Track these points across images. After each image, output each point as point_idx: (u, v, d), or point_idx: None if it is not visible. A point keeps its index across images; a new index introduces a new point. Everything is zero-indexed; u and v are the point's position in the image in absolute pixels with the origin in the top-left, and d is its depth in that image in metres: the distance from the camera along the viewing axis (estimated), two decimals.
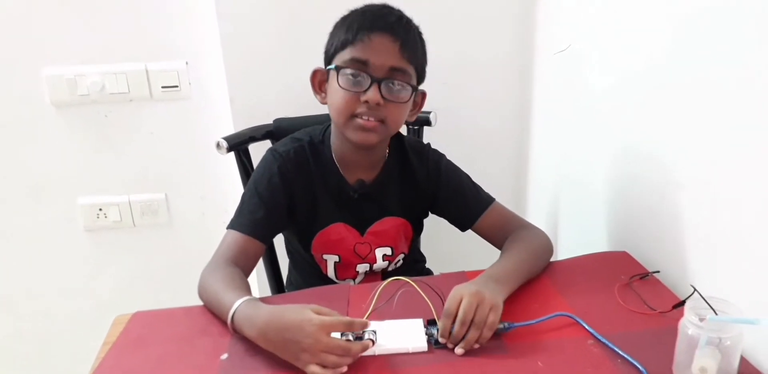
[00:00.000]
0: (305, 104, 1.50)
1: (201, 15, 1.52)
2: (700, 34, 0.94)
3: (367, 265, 1.20)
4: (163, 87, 1.59)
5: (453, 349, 0.86)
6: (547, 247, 1.11)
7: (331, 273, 1.21)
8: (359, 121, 1.02)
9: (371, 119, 1.01)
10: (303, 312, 0.83)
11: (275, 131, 1.38)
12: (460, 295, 0.88)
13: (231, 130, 1.48)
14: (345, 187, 1.14)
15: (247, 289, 0.97)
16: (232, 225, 1.09)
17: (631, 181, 1.18)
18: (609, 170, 1.28)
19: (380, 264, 1.20)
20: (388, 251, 1.20)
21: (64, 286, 1.75)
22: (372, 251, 1.19)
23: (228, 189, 1.65)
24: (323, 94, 1.10)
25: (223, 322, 0.94)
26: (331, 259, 1.19)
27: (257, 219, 1.08)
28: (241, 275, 1.01)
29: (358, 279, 1.23)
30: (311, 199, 1.13)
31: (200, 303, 1.04)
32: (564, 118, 1.47)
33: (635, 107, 1.15)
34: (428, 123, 1.39)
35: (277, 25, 1.50)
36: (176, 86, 1.60)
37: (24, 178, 1.64)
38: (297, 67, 1.51)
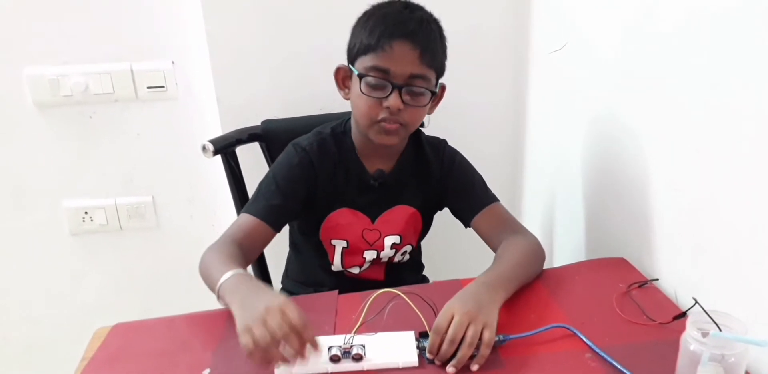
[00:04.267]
0: (294, 105, 1.48)
1: (187, 13, 1.48)
2: (699, 33, 0.92)
3: (375, 252, 1.21)
4: (148, 87, 1.55)
5: (443, 365, 0.83)
6: (540, 254, 1.09)
7: (337, 260, 1.21)
8: (383, 125, 1.05)
9: (392, 123, 1.05)
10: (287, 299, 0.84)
11: (263, 133, 1.35)
12: (452, 313, 0.86)
13: (219, 132, 1.44)
14: (365, 175, 1.16)
15: (244, 268, 0.97)
16: (247, 209, 1.11)
17: (629, 185, 1.15)
18: (606, 174, 1.25)
19: (387, 252, 1.21)
20: (396, 239, 1.21)
21: (49, 292, 1.71)
22: (381, 238, 1.20)
23: (217, 191, 1.61)
24: (347, 90, 1.12)
25: (207, 335, 0.92)
26: (339, 244, 1.20)
27: (272, 206, 1.10)
28: (242, 257, 1.02)
29: (364, 267, 1.23)
30: (332, 188, 1.15)
31: (186, 309, 1.02)
32: (560, 120, 1.44)
33: (631, 111, 1.13)
34: (421, 124, 1.35)
35: (265, 24, 1.46)
36: (162, 86, 1.56)
37: (6, 181, 1.60)
38: (286, 67, 1.50)
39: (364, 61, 1.05)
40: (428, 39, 1.05)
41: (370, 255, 1.21)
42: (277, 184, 1.11)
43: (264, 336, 0.77)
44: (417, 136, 1.19)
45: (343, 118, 1.18)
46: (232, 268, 0.93)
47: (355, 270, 1.24)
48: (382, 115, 1.04)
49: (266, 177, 1.14)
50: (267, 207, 1.09)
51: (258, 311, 0.80)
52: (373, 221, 1.19)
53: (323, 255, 1.22)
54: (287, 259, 1.37)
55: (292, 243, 1.32)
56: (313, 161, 1.12)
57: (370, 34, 1.04)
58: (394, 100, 1.03)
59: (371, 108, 1.05)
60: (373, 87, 1.04)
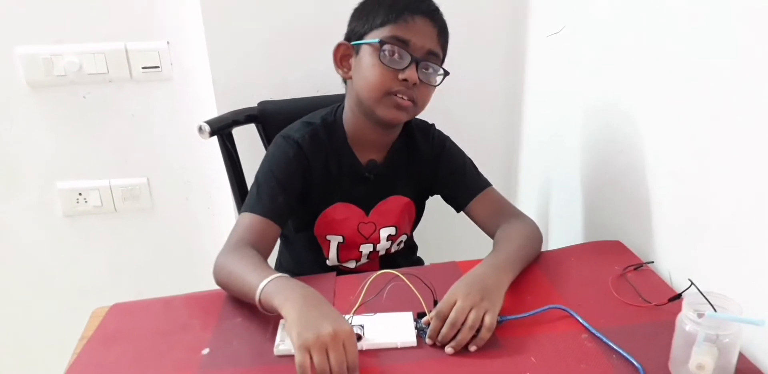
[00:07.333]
0: (291, 86, 1.47)
1: None
2: (700, 18, 0.91)
3: (371, 246, 1.19)
4: (143, 67, 1.53)
5: (442, 346, 0.84)
6: (539, 237, 1.10)
7: (333, 255, 1.19)
8: (396, 99, 1.03)
9: (405, 98, 1.03)
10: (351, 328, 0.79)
11: (259, 114, 1.34)
12: (455, 298, 0.86)
13: (214, 113, 1.43)
14: (358, 167, 1.13)
15: (274, 271, 0.91)
16: (251, 208, 1.05)
17: (625, 169, 1.16)
18: (602, 158, 1.25)
19: (384, 244, 1.20)
20: (392, 231, 1.19)
21: (43, 273, 1.70)
22: (376, 230, 1.18)
23: (212, 173, 1.60)
24: (345, 69, 1.09)
25: (205, 315, 0.91)
26: (334, 240, 1.18)
27: (277, 204, 1.05)
28: (263, 259, 0.98)
29: (361, 262, 1.22)
30: (325, 181, 1.12)
31: (181, 292, 1.02)
32: (557, 104, 1.44)
33: (629, 95, 1.13)
34: None
35: (262, 4, 1.44)
36: (157, 67, 1.54)
37: None
38: (283, 48, 1.48)
39: (381, 33, 1.02)
40: (443, 22, 1.07)
41: (366, 249, 1.20)
42: (277, 179, 1.07)
43: (322, 368, 0.74)
44: (407, 122, 1.16)
45: (333, 106, 1.15)
46: (269, 271, 0.89)
47: (351, 265, 1.22)
48: (396, 88, 1.02)
49: (262, 172, 1.09)
50: (273, 206, 1.04)
51: (322, 333, 0.75)
52: (367, 213, 1.17)
53: (317, 251, 1.20)
54: (279, 251, 1.34)
55: (283, 236, 1.26)
56: (306, 154, 1.09)
57: (390, 9, 1.03)
58: (411, 73, 1.01)
59: (386, 78, 1.01)
60: (391, 57, 1.01)
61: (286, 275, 0.88)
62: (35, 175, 1.61)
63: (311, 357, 0.74)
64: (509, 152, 1.72)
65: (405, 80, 1.01)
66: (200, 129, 1.24)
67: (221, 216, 1.69)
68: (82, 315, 0.98)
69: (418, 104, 1.05)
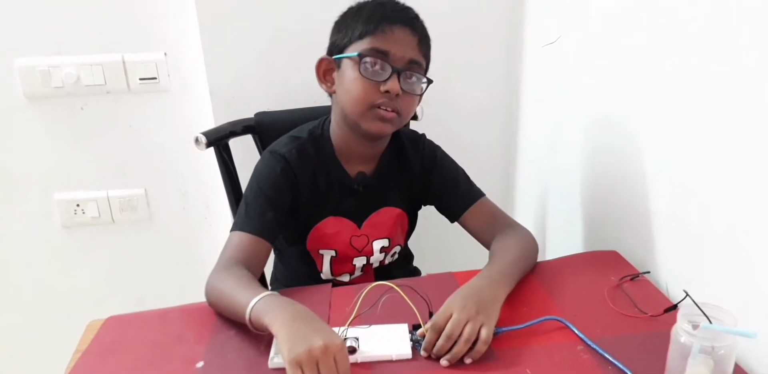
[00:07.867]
0: (288, 97, 1.47)
1: (180, 4, 1.47)
2: (696, 27, 0.91)
3: (364, 258, 1.19)
4: (140, 79, 1.54)
5: (437, 359, 0.84)
6: (534, 248, 1.10)
7: (326, 269, 1.19)
8: (380, 111, 1.02)
9: (388, 109, 1.02)
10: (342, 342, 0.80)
11: (256, 125, 1.34)
12: (450, 311, 0.86)
13: (212, 124, 1.44)
14: (347, 180, 1.12)
15: (264, 289, 0.91)
16: (240, 227, 1.04)
17: (622, 179, 1.16)
18: (599, 167, 1.25)
19: (377, 256, 1.19)
20: (385, 243, 1.19)
21: (40, 284, 1.70)
22: (369, 243, 1.17)
23: (210, 183, 1.60)
24: (329, 84, 1.09)
25: (200, 328, 0.91)
26: (327, 254, 1.17)
27: (266, 221, 1.04)
28: (254, 278, 0.97)
29: (355, 275, 1.21)
30: (314, 195, 1.11)
31: (176, 303, 1.01)
32: (554, 113, 1.44)
33: (626, 104, 1.13)
34: (415, 117, 1.35)
35: (258, 15, 1.45)
36: (155, 78, 1.55)
37: None
38: (279, 59, 1.49)
39: (361, 45, 1.02)
40: (423, 30, 1.07)
41: (359, 262, 1.19)
42: (266, 196, 1.06)
43: None
44: (396, 133, 1.15)
45: (321, 119, 1.15)
46: (259, 290, 0.88)
47: (345, 278, 1.21)
48: (379, 100, 1.01)
49: (251, 189, 1.08)
50: (262, 223, 1.03)
51: (313, 347, 0.75)
52: (359, 226, 1.16)
53: (311, 264, 1.19)
54: (274, 264, 1.33)
55: (276, 250, 1.27)
56: (293, 169, 1.08)
57: (368, 20, 1.02)
58: (393, 84, 1.00)
59: (368, 92, 1.01)
60: (372, 69, 1.01)
61: (276, 293, 0.88)
62: (33, 186, 1.62)
63: (303, 372, 0.74)
64: (506, 162, 1.72)
65: (387, 92, 1.00)
66: (197, 140, 1.25)
67: (219, 227, 1.68)
68: (79, 324, 0.98)
69: (403, 114, 1.05)
